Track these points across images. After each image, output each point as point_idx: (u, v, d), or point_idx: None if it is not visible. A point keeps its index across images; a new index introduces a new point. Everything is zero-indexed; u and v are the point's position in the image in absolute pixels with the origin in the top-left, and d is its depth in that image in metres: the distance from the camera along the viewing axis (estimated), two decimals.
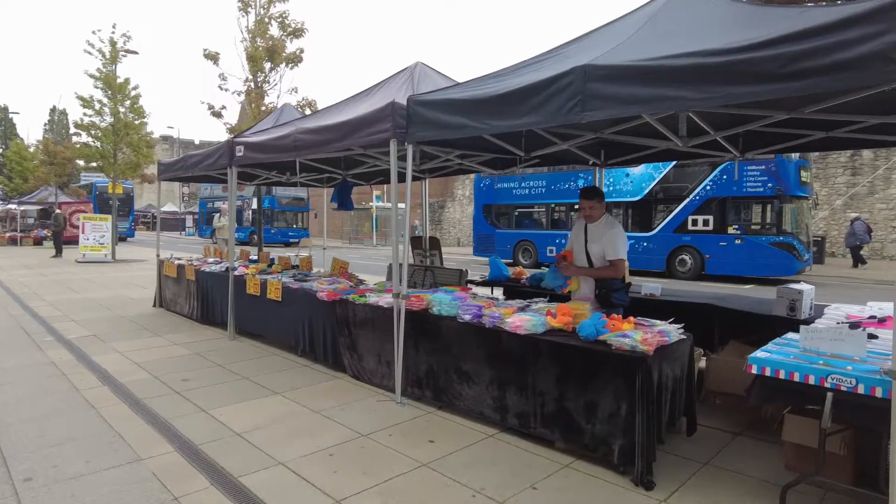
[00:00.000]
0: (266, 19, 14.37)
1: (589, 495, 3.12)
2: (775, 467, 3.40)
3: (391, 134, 4.48)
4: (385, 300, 4.93)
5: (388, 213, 34.69)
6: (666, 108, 3.29)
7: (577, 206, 17.74)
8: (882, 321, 3.62)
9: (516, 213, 19.89)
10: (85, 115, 18.75)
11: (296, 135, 5.58)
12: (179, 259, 9.21)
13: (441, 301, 4.51)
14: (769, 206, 14.42)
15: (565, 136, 5.46)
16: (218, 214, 15.88)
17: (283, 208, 32.73)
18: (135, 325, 7.92)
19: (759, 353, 2.87)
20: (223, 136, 23.80)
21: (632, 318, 3.75)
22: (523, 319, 3.84)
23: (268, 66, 14.30)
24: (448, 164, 7.17)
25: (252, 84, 14.33)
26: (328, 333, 5.61)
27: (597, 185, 5.67)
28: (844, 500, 2.98)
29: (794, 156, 14.05)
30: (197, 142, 59.50)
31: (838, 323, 3.58)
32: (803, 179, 14.75)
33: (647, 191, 16.14)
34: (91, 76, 18.33)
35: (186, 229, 47.41)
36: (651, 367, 3.22)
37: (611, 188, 16.34)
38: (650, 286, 5.49)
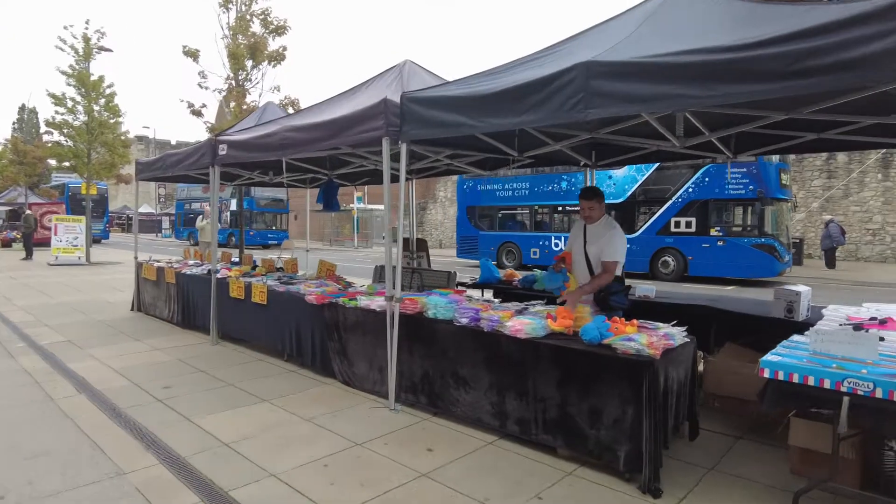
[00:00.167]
0: (248, 16, 14.08)
1: None
2: (781, 472, 3.34)
3: (384, 132, 4.34)
4: (377, 303, 4.79)
5: (370, 215, 34.41)
6: (669, 106, 3.23)
7: (559, 208, 18.18)
8: (883, 322, 3.59)
9: (500, 215, 19.85)
10: (57, 112, 18.13)
11: (283, 133, 5.41)
12: (159, 261, 8.92)
13: (436, 304, 4.38)
14: (751, 209, 14.63)
15: (558, 136, 5.38)
16: (202, 216, 15.58)
17: (262, 209, 31.97)
18: (112, 329, 7.63)
19: (770, 357, 2.80)
20: (202, 136, 23.38)
21: (635, 321, 3.67)
22: (523, 323, 3.73)
23: (249, 63, 14.01)
24: (437, 164, 7.05)
25: (233, 82, 14.02)
26: (316, 338, 5.44)
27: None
28: None
29: (775, 158, 14.23)
30: (174, 142, 58.22)
31: (840, 325, 3.54)
32: (783, 182, 14.97)
33: (629, 193, 16.23)
34: (63, 73, 17.74)
35: (163, 231, 46.46)
36: (658, 371, 3.14)
37: None
38: (644, 288, 5.45)
